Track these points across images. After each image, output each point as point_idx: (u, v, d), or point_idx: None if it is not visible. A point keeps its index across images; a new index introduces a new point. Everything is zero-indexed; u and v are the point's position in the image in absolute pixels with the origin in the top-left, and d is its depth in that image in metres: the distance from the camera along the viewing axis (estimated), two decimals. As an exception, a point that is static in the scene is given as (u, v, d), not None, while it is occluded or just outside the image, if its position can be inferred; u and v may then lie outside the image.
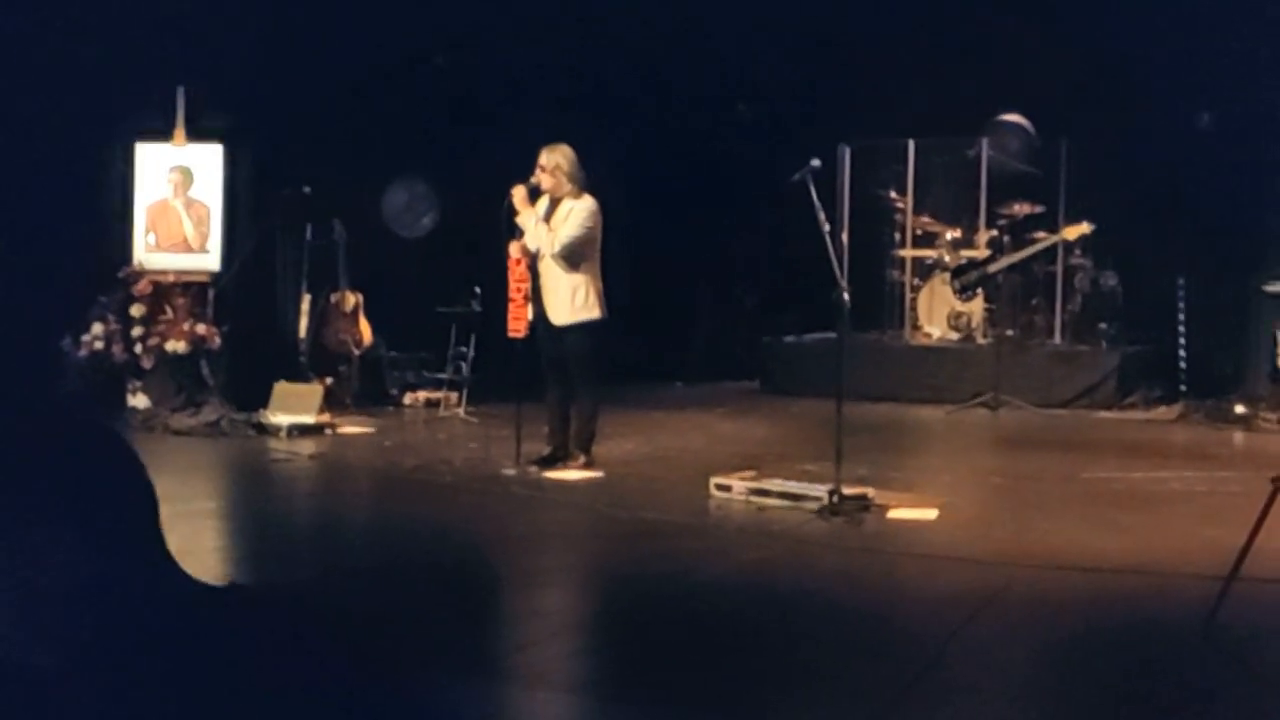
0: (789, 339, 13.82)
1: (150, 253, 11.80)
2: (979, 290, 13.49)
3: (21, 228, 10.76)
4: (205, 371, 11.40)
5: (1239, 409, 11.66)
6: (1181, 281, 12.45)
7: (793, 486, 8.10)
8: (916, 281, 13.98)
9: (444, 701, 4.84)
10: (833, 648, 5.63)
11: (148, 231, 11.85)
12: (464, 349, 12.16)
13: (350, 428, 11.10)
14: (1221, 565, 5.58)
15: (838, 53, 13.35)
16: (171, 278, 11.65)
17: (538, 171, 9.08)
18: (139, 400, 11.33)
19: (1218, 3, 10.62)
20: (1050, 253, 13.31)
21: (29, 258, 10.93)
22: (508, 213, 9.20)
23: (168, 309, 11.45)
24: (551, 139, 9.19)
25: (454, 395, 12.17)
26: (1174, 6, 10.89)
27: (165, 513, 8.14)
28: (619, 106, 12.43)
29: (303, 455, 10.19)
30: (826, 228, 8.29)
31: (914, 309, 13.94)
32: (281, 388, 11.16)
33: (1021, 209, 13.42)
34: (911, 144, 13.90)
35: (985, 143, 13.65)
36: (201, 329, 11.42)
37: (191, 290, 11.65)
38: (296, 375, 11.54)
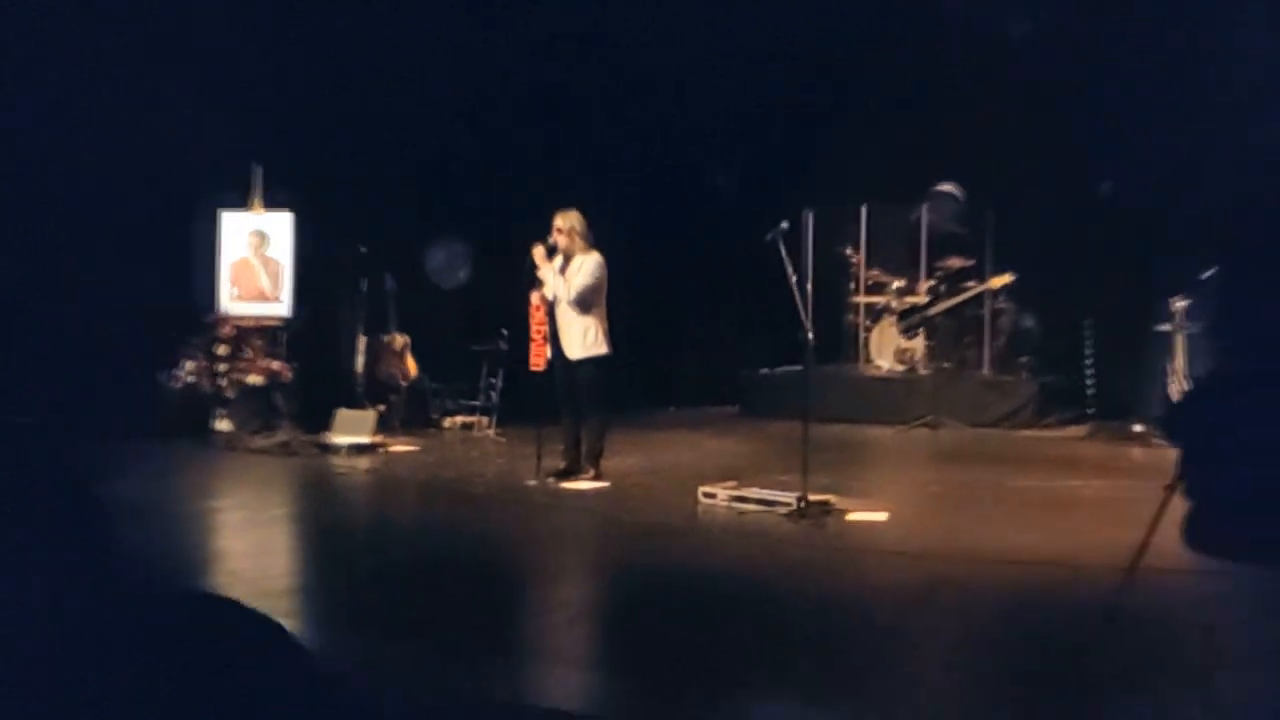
0: (763, 371, 13.82)
1: (233, 302, 11.85)
2: (920, 330, 13.52)
3: (126, 281, 10.78)
4: (278, 400, 11.41)
5: (1137, 428, 11.66)
6: (1088, 322, 12.48)
7: (767, 494, 8.10)
8: (868, 323, 14.01)
9: (479, 677, 4.84)
10: (801, 628, 5.64)
11: (231, 284, 11.90)
12: (493, 380, 12.16)
13: (399, 446, 11.08)
14: (1124, 559, 5.60)
15: (803, 131, 13.40)
16: (251, 322, 11.69)
17: (554, 232, 9.11)
18: (223, 425, 11.33)
19: (1116, 93, 10.67)
20: (979, 299, 13.33)
21: (132, 305, 10.95)
22: (530, 267, 9.25)
23: (247, 348, 11.48)
24: (565, 205, 9.24)
25: (485, 419, 12.16)
26: (1085, 97, 10.95)
27: (243, 519, 8.18)
28: (622, 178, 12.48)
29: (359, 470, 10.19)
30: (794, 278, 8.32)
31: (867, 346, 13.97)
32: (342, 413, 11.16)
33: (955, 262, 13.45)
34: (864, 209, 13.96)
35: (925, 208, 13.71)
36: (275, 365, 11.45)
37: (267, 332, 11.68)
38: (354, 403, 11.54)
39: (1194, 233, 11.23)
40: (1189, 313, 11.34)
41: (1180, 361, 11.33)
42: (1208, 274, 11.32)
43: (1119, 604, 5.37)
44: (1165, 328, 11.45)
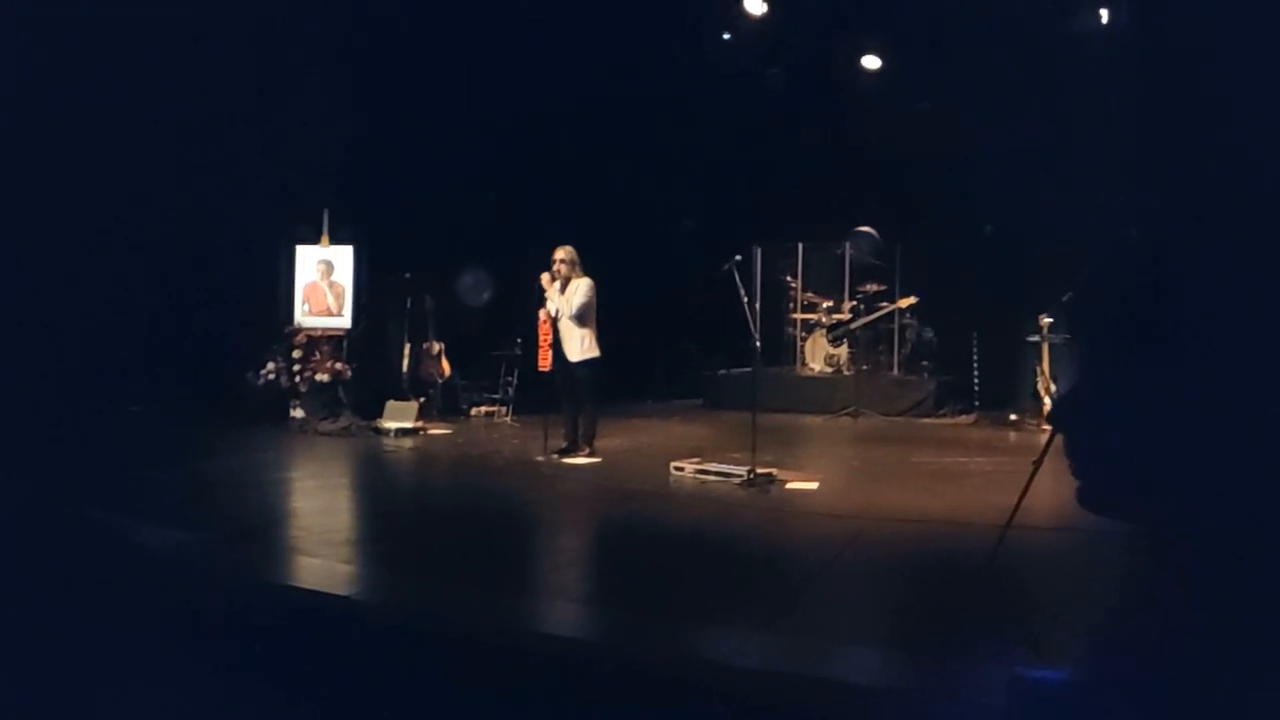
0: (721, 371, 13.86)
1: (305, 317, 11.82)
2: (845, 340, 13.57)
3: (224, 299, 10.77)
4: (341, 393, 11.40)
5: (1012, 417, 11.73)
6: (974, 335, 12.54)
7: (724, 467, 8.13)
8: (804, 334, 14.05)
9: (497, 607, 4.85)
10: (750, 571, 5.66)
11: (303, 302, 11.87)
12: (510, 378, 12.17)
13: (436, 430, 11.08)
14: (1000, 518, 5.63)
15: (754, 186, 13.46)
16: (319, 332, 11.66)
17: (556, 263, 9.15)
18: (297, 413, 11.31)
19: (997, 156, 10.69)
20: (891, 315, 13.39)
21: (227, 319, 10.95)
22: (538, 290, 9.27)
23: (316, 353, 11.45)
24: (564, 241, 9.28)
25: (504, 408, 12.17)
26: (973, 159, 10.97)
27: (313, 486, 8.17)
28: (612, 219, 12.46)
29: (405, 448, 10.19)
30: (745, 299, 8.36)
31: (802, 352, 14.01)
32: (391, 404, 11.15)
33: (871, 287, 13.51)
34: (800, 245, 14.01)
35: (848, 244, 13.76)
36: (339, 366, 11.43)
37: (332, 340, 11.66)
38: (401, 396, 11.53)
39: (1054, 264, 11.33)
40: (1052, 327, 11.42)
41: (1046, 364, 11.39)
42: (1066, 296, 11.39)
43: (996, 552, 5.41)
44: (1034, 338, 11.52)
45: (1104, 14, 10.78)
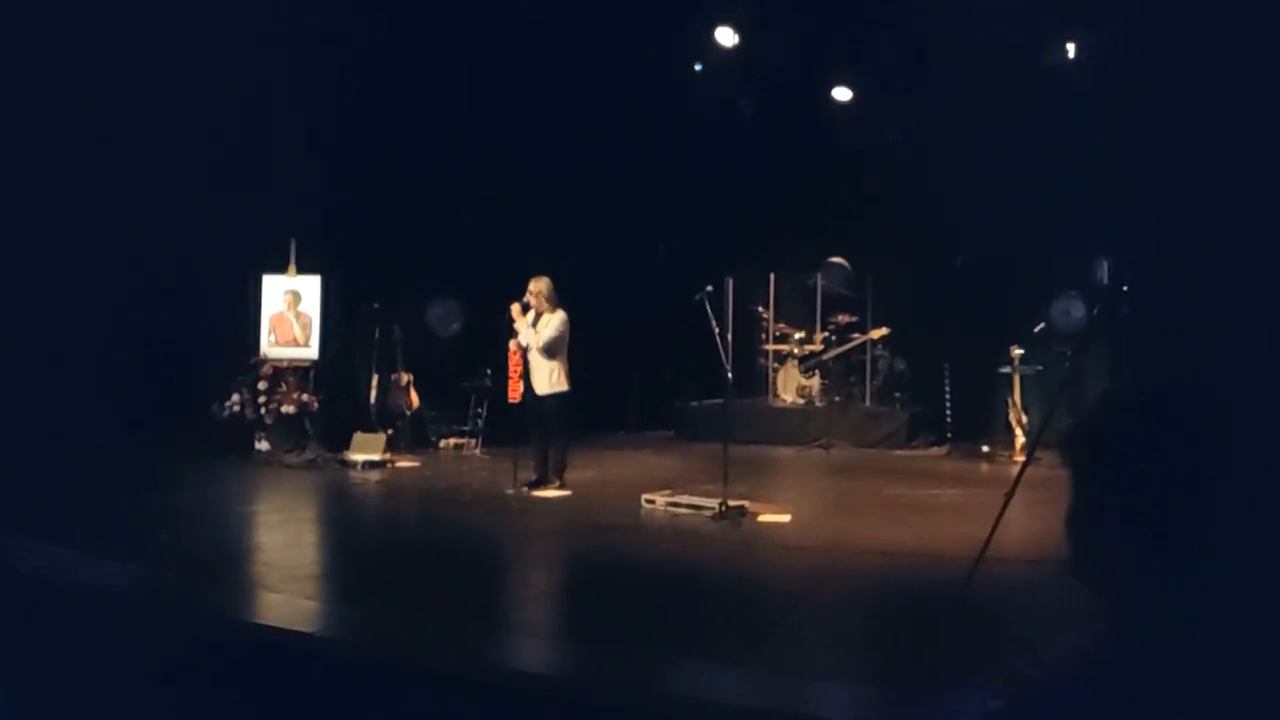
0: (692, 402, 13.86)
1: (271, 347, 11.75)
2: (816, 371, 13.62)
3: (189, 330, 10.68)
4: (307, 425, 11.32)
5: (985, 448, 11.79)
6: (946, 366, 12.62)
7: (695, 500, 8.13)
8: (776, 365, 14.09)
9: (466, 644, 4.82)
10: (723, 604, 5.65)
11: (270, 332, 11.81)
12: (479, 410, 12.13)
13: (404, 463, 11.01)
14: (973, 551, 5.66)
15: (726, 217, 13.52)
16: (285, 363, 11.59)
17: (528, 294, 9.15)
18: (263, 445, 11.21)
19: (966, 191, 10.78)
20: (862, 347, 13.46)
21: (192, 349, 10.85)
22: (508, 321, 9.26)
23: (283, 384, 11.37)
24: (538, 272, 9.28)
25: (473, 441, 12.11)
26: (943, 192, 11.05)
27: (278, 520, 8.10)
28: (584, 250, 12.48)
29: (372, 481, 10.12)
30: (717, 330, 8.39)
31: (774, 383, 14.04)
32: (358, 436, 11.07)
33: (843, 318, 13.58)
34: (772, 276, 14.08)
35: (820, 275, 13.85)
36: (305, 397, 11.35)
37: (299, 371, 11.59)
38: (368, 427, 11.45)
39: (1025, 296, 11.44)
40: (1023, 358, 11.52)
41: (1017, 395, 11.48)
42: (1037, 328, 11.52)
43: (968, 584, 5.43)
44: (1005, 369, 11.61)
45: (1070, 48, 10.94)
